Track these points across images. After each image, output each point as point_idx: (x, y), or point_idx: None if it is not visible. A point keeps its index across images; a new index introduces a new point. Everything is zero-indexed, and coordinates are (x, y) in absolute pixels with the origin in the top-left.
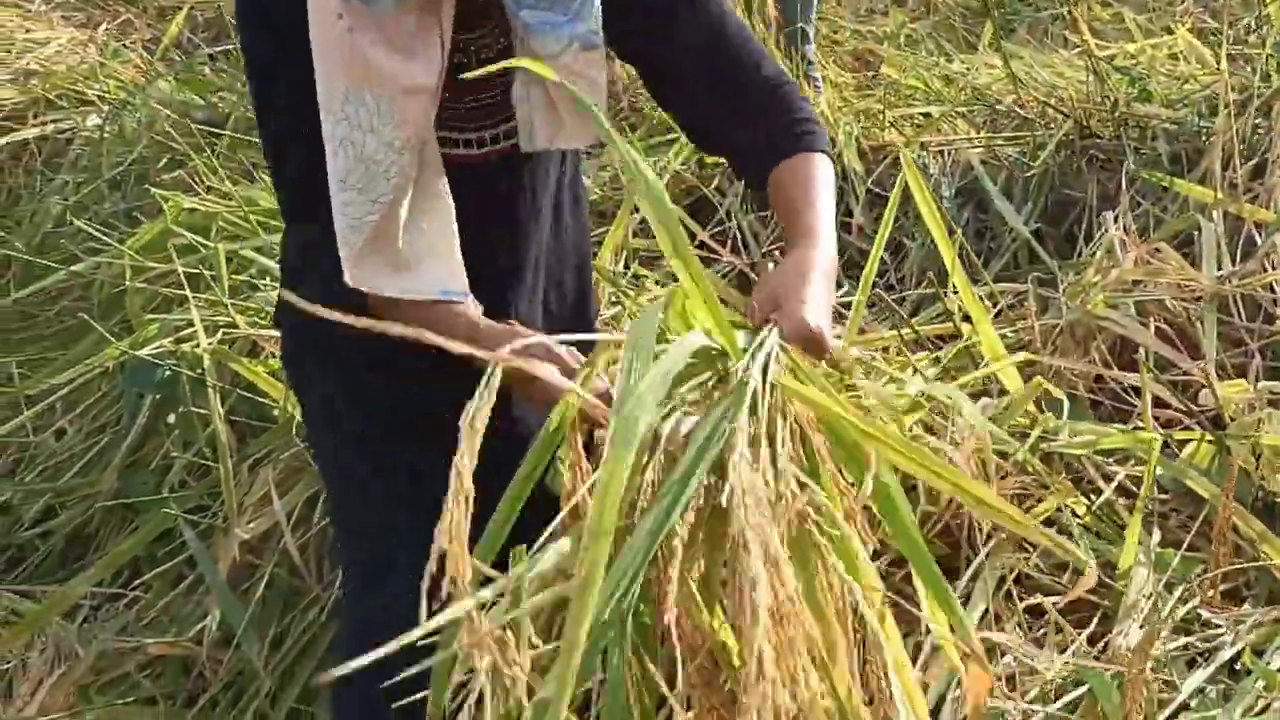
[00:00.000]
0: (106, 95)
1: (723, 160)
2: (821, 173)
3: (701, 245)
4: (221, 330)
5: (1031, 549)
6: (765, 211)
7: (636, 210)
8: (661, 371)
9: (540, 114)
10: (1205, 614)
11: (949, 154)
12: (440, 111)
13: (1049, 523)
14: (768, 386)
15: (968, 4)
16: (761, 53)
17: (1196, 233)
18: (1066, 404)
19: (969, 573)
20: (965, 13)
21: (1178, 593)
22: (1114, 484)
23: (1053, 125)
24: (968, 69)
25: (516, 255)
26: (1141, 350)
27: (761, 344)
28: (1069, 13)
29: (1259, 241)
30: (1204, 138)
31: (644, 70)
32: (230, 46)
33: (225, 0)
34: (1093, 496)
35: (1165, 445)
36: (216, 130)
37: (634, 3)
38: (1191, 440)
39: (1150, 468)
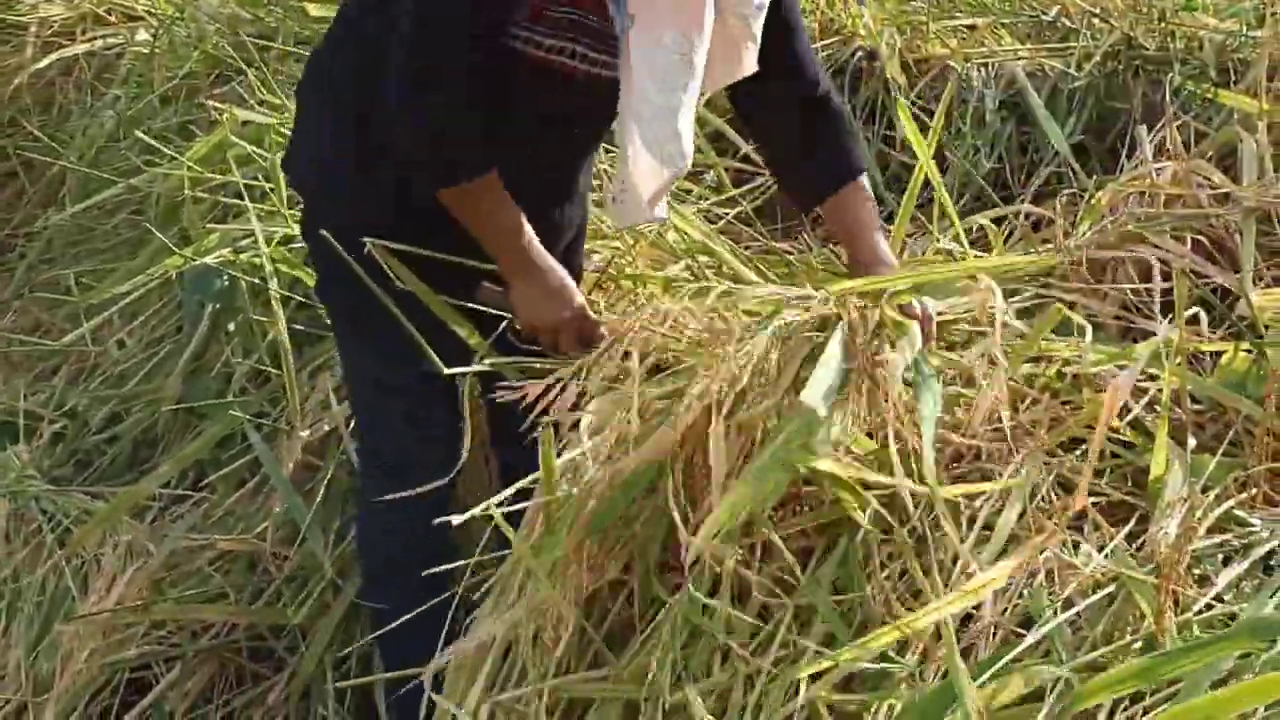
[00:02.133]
0: (155, 10)
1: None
2: (870, 198)
3: (743, 159)
4: (279, 239)
5: (1067, 453)
6: None
7: None
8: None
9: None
10: (1241, 514)
11: (993, 66)
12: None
13: (1079, 441)
14: None
15: None
16: (816, 63)
17: (1240, 144)
18: (1090, 331)
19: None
20: None
21: (1213, 494)
22: (1146, 399)
23: (1098, 36)
24: None
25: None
26: (1173, 261)
27: None
28: None
29: None
30: (1252, 49)
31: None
32: None
33: None
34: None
35: (1200, 358)
36: (267, 43)
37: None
38: (1225, 350)
39: (1169, 371)
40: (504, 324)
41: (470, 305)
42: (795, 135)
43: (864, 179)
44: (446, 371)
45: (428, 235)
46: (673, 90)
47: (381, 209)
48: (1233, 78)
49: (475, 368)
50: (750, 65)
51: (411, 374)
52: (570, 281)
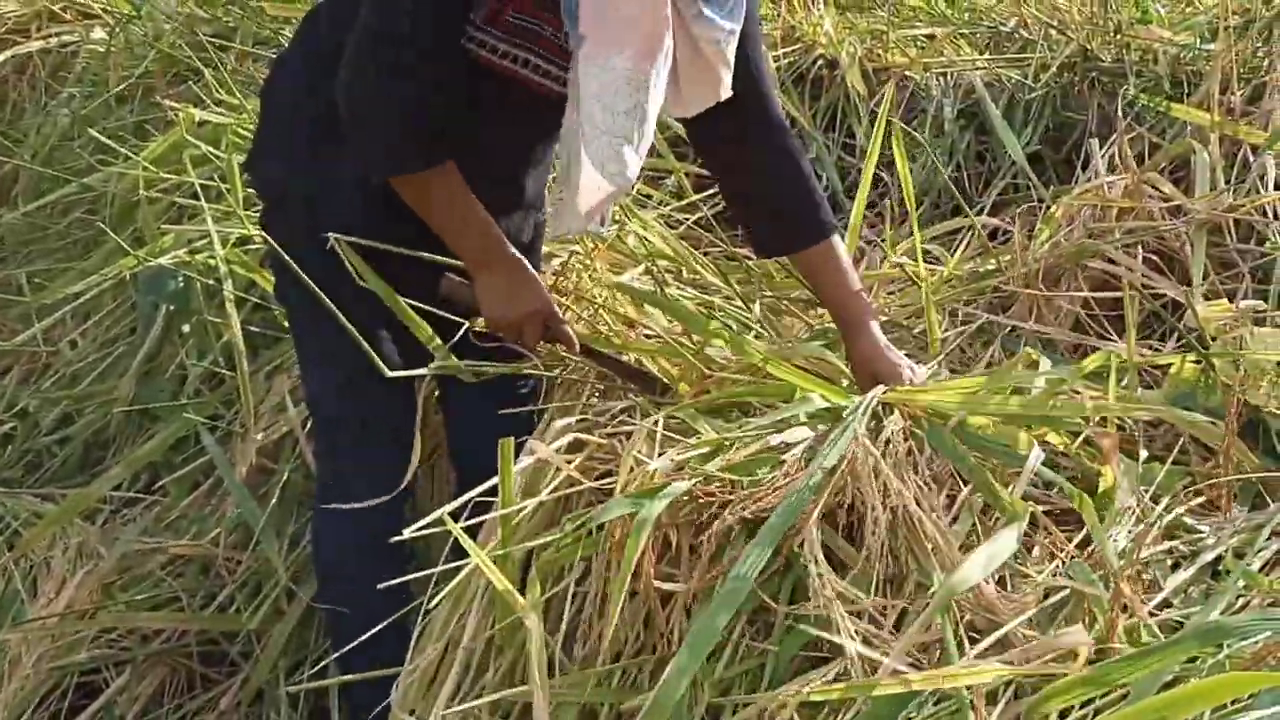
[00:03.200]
0: (111, 8)
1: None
2: (847, 257)
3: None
4: (234, 241)
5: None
6: None
7: None
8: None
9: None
10: (1189, 520)
11: (951, 76)
12: (526, 34)
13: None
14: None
15: None
16: (781, 116)
17: (1193, 156)
18: (1046, 363)
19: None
20: None
21: (1163, 503)
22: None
23: (1055, 48)
24: None
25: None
26: (1123, 275)
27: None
28: None
29: (1251, 165)
30: (1205, 62)
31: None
32: None
33: None
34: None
35: (1149, 371)
36: (225, 43)
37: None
38: (1173, 362)
39: (1113, 380)
40: (464, 327)
41: (432, 310)
42: (759, 184)
43: (837, 239)
44: (396, 374)
45: (390, 239)
46: (616, 114)
47: (346, 212)
48: (1186, 90)
49: (429, 369)
50: (726, 90)
51: (369, 377)
52: (535, 275)
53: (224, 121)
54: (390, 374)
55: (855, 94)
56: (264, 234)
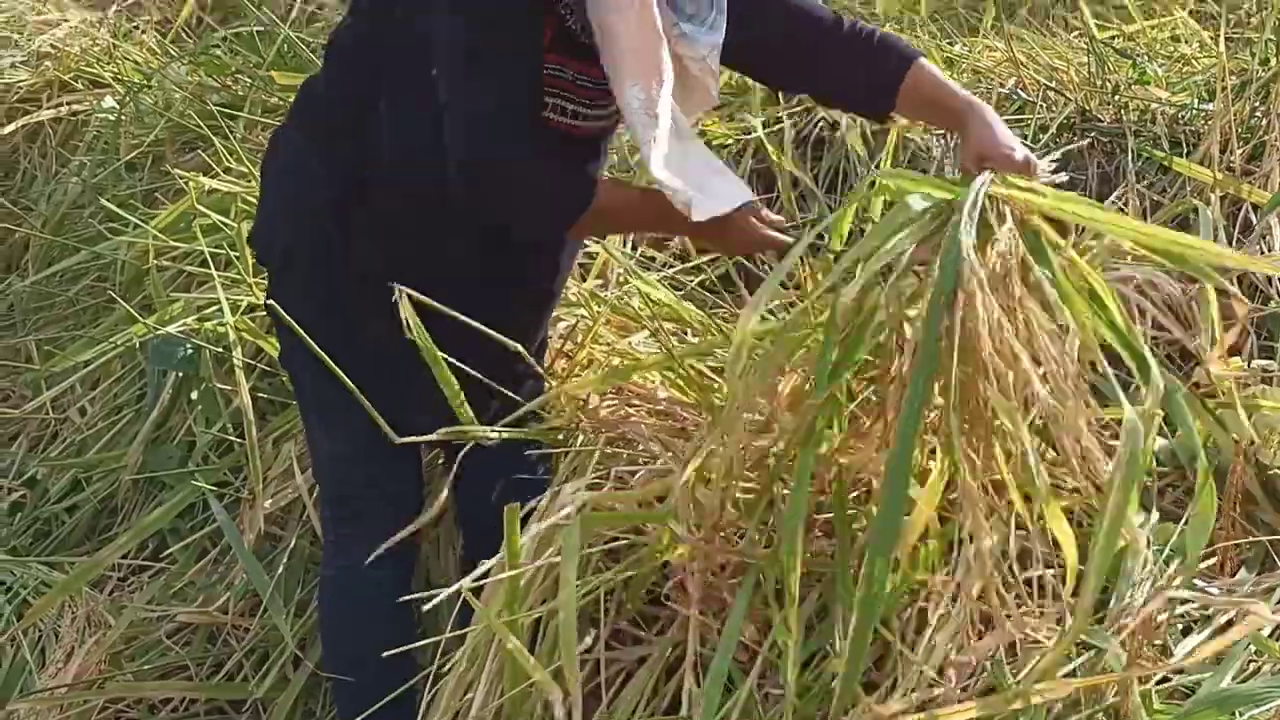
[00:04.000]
0: (121, 77)
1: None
2: (935, 68)
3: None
4: (243, 308)
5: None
6: (771, 193)
7: None
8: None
9: None
10: (1200, 582)
11: (951, 137)
12: (555, 82)
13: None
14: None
15: None
16: (820, 6)
17: (1193, 216)
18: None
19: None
20: None
21: (1174, 565)
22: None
23: (1054, 108)
24: (970, 51)
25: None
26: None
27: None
28: None
29: (1255, 225)
30: (1204, 121)
31: (747, 65)
32: (242, 28)
33: None
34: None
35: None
36: (233, 112)
37: (745, 24)
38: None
39: (1148, 445)
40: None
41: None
42: (834, 64)
43: (924, 60)
44: (403, 440)
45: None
46: (639, 144)
47: (350, 278)
48: (1185, 150)
49: (436, 435)
50: (715, 98)
51: (373, 442)
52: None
53: (233, 190)
54: (398, 440)
55: (855, 155)
56: (268, 301)
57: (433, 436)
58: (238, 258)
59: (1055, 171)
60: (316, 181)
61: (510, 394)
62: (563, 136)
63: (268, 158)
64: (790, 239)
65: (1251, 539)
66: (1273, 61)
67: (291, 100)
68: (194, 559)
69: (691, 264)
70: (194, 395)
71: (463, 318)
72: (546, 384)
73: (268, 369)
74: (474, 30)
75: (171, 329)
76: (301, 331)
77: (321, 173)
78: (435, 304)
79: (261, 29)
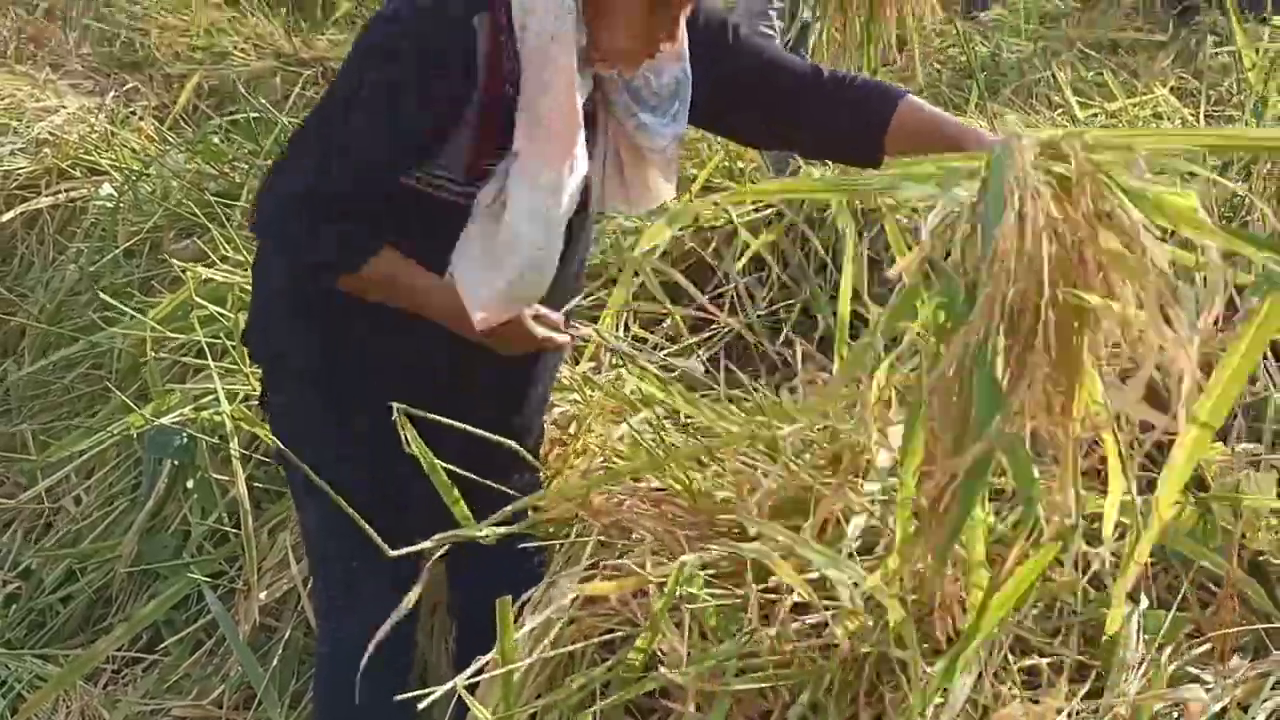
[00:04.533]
0: (119, 164)
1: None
2: (924, 102)
3: (699, 308)
4: (240, 398)
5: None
6: (761, 272)
7: (636, 274)
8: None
9: (611, 183)
10: (1193, 669)
11: None
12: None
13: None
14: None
15: (954, 66)
16: (798, 58)
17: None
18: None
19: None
20: (951, 74)
21: (1167, 652)
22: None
23: None
24: None
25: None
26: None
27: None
28: (1053, 76)
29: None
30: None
31: (727, 122)
32: (239, 115)
33: (233, 69)
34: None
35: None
36: (230, 201)
37: (722, 79)
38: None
39: (1133, 538)
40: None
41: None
42: (816, 110)
43: (912, 96)
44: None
45: (397, 398)
46: (546, 226)
47: (345, 375)
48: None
49: (432, 541)
50: (671, 192)
51: (367, 543)
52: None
53: (229, 279)
54: (391, 554)
55: (842, 234)
56: (262, 400)
57: (428, 544)
58: (234, 346)
59: None
60: (282, 280)
61: (505, 489)
62: (417, 195)
63: (255, 261)
64: (567, 337)
65: (1245, 628)
66: None
67: None
68: (189, 651)
69: (683, 345)
70: (189, 484)
71: (459, 424)
72: (541, 475)
73: (263, 459)
74: (369, 100)
75: (167, 419)
76: (296, 452)
77: (284, 271)
78: (427, 413)
79: (257, 115)
